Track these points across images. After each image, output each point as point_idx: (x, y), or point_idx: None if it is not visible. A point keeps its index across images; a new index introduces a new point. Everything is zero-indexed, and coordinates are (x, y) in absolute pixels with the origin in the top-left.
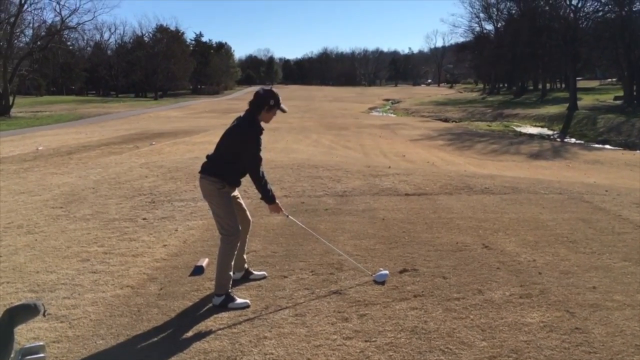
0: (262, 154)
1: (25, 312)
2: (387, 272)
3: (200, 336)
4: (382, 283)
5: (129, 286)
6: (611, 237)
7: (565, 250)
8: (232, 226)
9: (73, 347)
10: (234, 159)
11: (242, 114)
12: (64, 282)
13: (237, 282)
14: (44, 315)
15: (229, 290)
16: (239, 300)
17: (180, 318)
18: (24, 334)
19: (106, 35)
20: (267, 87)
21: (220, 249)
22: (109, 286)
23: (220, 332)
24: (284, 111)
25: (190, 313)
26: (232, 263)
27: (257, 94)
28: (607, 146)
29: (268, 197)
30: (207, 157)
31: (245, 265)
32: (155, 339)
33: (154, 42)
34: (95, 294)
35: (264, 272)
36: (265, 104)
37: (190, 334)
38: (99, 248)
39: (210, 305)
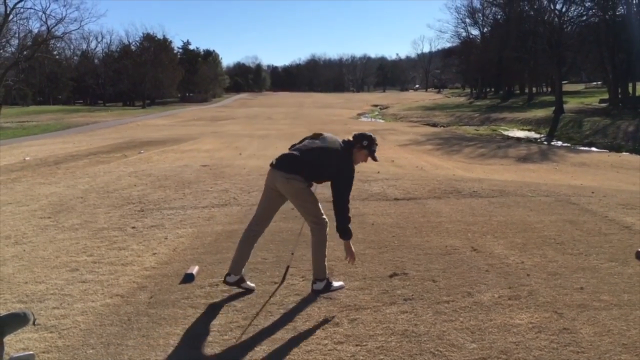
0: (253, 160)
1: (15, 321)
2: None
3: (191, 344)
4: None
5: (118, 295)
6: (598, 238)
7: (552, 252)
8: (321, 216)
9: (63, 357)
10: (319, 170)
11: (329, 135)
12: (53, 292)
13: (226, 290)
14: (33, 324)
15: (327, 275)
16: (336, 284)
17: (171, 326)
18: (13, 345)
19: (93, 44)
20: (368, 133)
21: (313, 240)
22: (99, 295)
23: (211, 339)
24: (374, 158)
25: (181, 321)
26: (325, 251)
27: (355, 135)
28: (593, 148)
29: (346, 231)
30: (289, 156)
31: (243, 271)
32: (146, 347)
33: (141, 50)
34: (84, 304)
35: (253, 285)
36: (358, 143)
37: (181, 342)
38: (88, 257)
39: (199, 312)
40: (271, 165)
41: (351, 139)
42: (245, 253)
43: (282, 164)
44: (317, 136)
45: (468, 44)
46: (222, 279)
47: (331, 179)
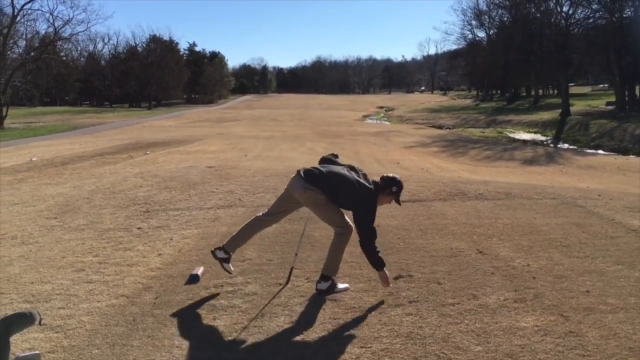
0: (258, 162)
1: (21, 321)
2: None
3: (196, 345)
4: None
5: (124, 295)
6: (604, 241)
7: (558, 255)
8: (344, 224)
9: (68, 357)
10: (337, 195)
11: (362, 171)
12: (58, 292)
13: (231, 291)
14: (40, 323)
15: (334, 277)
16: (340, 286)
17: (176, 327)
18: (19, 345)
19: (100, 46)
20: (397, 178)
21: (334, 240)
22: (104, 296)
23: (216, 340)
24: (399, 203)
25: (186, 322)
26: (342, 254)
27: (384, 178)
28: (600, 151)
29: (377, 261)
30: (315, 169)
31: (232, 254)
32: (151, 348)
33: (148, 52)
34: (90, 304)
35: (233, 269)
36: (387, 188)
37: (186, 342)
38: (94, 258)
39: (204, 313)
40: (297, 171)
41: (379, 181)
42: (245, 237)
43: (306, 174)
44: (351, 167)
45: (474, 46)
46: (212, 250)
47: (348, 209)
